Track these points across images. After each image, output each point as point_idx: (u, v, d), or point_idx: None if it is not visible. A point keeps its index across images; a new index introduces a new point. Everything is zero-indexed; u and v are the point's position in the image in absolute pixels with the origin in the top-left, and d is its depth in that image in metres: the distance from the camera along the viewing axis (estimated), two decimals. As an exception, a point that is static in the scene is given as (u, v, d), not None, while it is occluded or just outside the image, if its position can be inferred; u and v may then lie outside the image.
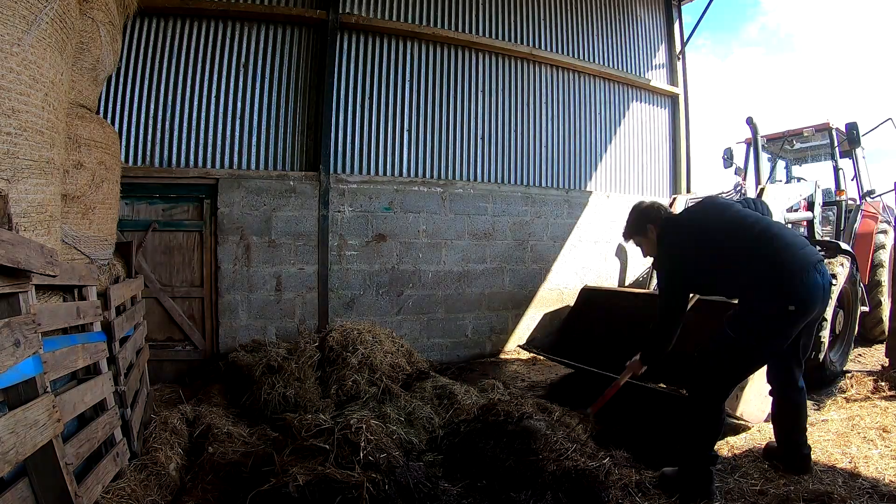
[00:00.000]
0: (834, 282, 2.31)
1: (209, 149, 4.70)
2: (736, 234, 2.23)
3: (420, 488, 2.05)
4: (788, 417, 2.41)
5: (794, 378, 2.37)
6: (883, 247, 5.04)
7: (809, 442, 2.47)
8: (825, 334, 3.67)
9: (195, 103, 4.67)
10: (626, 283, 6.27)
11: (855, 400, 3.28)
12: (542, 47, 5.97)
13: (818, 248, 4.44)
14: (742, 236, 2.22)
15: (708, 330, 3.19)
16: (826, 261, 4.01)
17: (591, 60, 6.32)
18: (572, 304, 5.12)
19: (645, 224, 2.48)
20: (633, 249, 6.29)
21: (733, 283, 2.28)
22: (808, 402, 3.41)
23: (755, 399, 2.95)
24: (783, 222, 2.37)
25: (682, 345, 3.32)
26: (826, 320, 3.68)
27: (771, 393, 2.51)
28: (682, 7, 7.21)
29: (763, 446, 2.65)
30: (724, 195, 5.75)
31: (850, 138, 5.03)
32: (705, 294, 2.55)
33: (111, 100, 4.46)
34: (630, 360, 2.72)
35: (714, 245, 2.26)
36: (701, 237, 2.31)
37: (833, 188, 5.19)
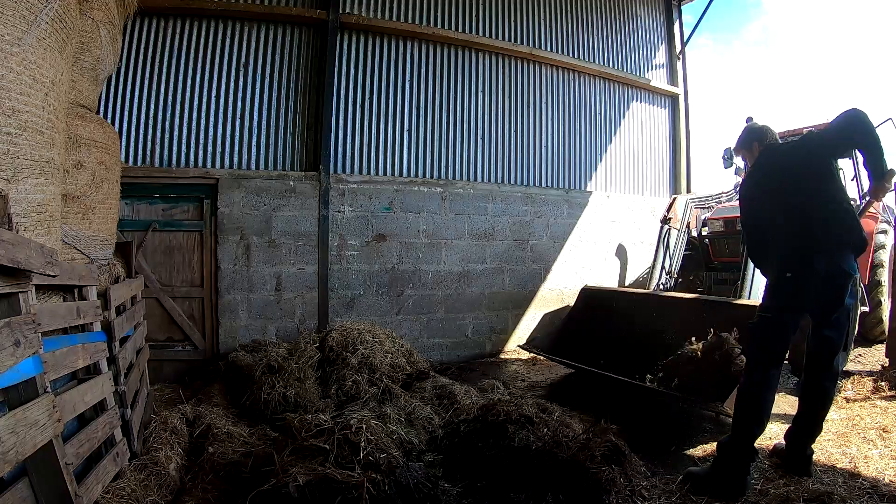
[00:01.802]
0: (852, 280, 2.33)
1: (209, 149, 4.70)
2: (789, 194, 2.36)
3: (420, 488, 2.05)
4: (804, 410, 2.41)
5: (816, 374, 2.37)
6: (883, 247, 5.04)
7: (810, 443, 2.47)
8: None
9: (195, 103, 4.67)
10: (626, 283, 6.27)
11: (855, 400, 3.28)
12: (542, 47, 5.97)
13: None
14: (789, 198, 2.35)
15: (708, 328, 3.19)
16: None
17: (591, 60, 6.32)
18: (572, 304, 5.13)
19: (752, 141, 2.63)
20: (632, 249, 6.30)
21: (773, 236, 2.43)
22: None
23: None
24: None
25: (681, 343, 3.32)
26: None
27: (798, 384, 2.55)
28: (683, 7, 7.21)
29: (765, 446, 2.65)
30: (724, 195, 5.75)
31: (851, 138, 5.01)
32: (760, 230, 2.56)
33: (111, 100, 4.46)
34: None
35: (771, 191, 2.42)
36: (771, 177, 2.45)
37: (833, 188, 5.18)
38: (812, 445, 2.41)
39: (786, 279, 2.31)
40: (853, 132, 2.31)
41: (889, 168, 2.32)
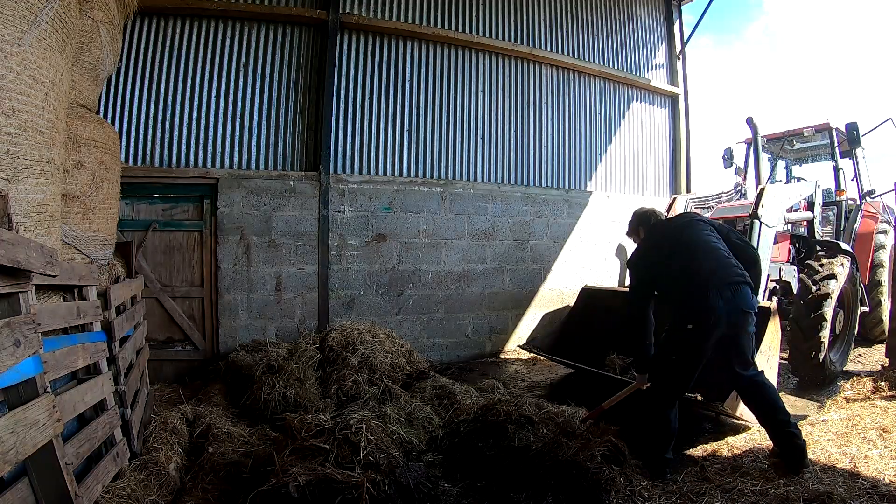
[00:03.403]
0: (757, 304, 2.53)
1: (209, 149, 4.70)
2: (679, 255, 2.55)
3: (420, 488, 2.05)
4: (755, 411, 2.53)
5: (736, 377, 2.51)
6: (883, 247, 5.04)
7: (809, 441, 2.47)
8: (825, 334, 3.67)
9: (195, 103, 4.67)
10: (626, 283, 6.26)
11: (855, 400, 3.28)
12: (542, 47, 5.97)
13: (819, 248, 4.45)
14: (680, 259, 2.54)
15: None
16: (826, 261, 4.01)
17: (591, 60, 6.32)
18: (572, 304, 5.12)
19: (638, 227, 2.88)
20: (632, 249, 6.29)
21: (670, 297, 2.61)
22: (809, 402, 3.43)
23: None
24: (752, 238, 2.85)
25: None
26: (826, 320, 3.68)
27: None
28: (683, 7, 7.21)
29: (765, 446, 2.65)
30: (724, 195, 5.75)
31: (850, 138, 5.02)
32: (660, 297, 2.77)
33: (111, 100, 4.46)
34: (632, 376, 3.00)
35: (664, 259, 2.60)
36: (660, 249, 2.66)
37: (833, 188, 5.19)
38: (799, 436, 2.40)
39: (686, 330, 2.44)
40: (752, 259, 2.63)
41: (638, 364, 2.76)
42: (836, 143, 5.09)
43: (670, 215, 2.84)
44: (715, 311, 2.38)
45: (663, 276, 2.59)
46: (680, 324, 2.49)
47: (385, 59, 5.27)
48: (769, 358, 2.96)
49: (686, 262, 2.51)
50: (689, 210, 5.03)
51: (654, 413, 2.57)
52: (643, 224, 2.84)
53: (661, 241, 2.69)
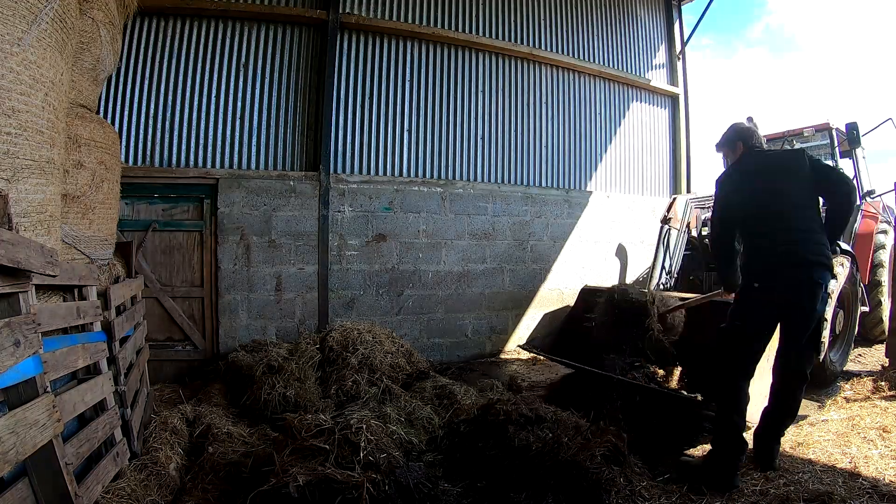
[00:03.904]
0: (832, 288, 2.30)
1: (209, 149, 4.70)
2: (769, 204, 2.33)
3: (420, 488, 2.05)
4: (774, 402, 2.48)
5: (788, 381, 2.43)
6: (883, 247, 5.04)
7: (809, 441, 2.47)
8: (825, 334, 3.67)
9: (195, 103, 4.67)
10: (627, 284, 6.27)
11: (855, 400, 3.27)
12: (542, 47, 5.97)
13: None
14: (768, 210, 2.32)
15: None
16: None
17: (591, 60, 6.32)
18: (572, 304, 5.12)
19: (737, 141, 2.57)
20: (632, 249, 6.30)
21: (746, 242, 2.40)
22: (809, 402, 3.43)
23: (755, 399, 2.95)
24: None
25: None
26: (826, 320, 3.68)
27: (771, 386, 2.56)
28: (683, 7, 7.21)
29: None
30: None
31: (850, 138, 5.02)
32: (732, 233, 2.50)
33: (111, 100, 4.46)
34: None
35: (752, 198, 2.37)
36: (754, 182, 2.39)
37: (833, 188, 5.18)
38: (778, 441, 2.42)
39: (753, 288, 2.33)
40: (847, 199, 2.37)
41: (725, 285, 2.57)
42: (836, 143, 5.09)
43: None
44: (786, 280, 2.24)
45: (748, 215, 2.37)
46: (747, 281, 2.35)
47: (385, 59, 5.27)
48: (769, 358, 2.96)
49: (774, 219, 2.30)
50: (689, 209, 5.02)
51: (721, 391, 2.38)
52: (744, 139, 2.53)
53: (757, 176, 2.40)
